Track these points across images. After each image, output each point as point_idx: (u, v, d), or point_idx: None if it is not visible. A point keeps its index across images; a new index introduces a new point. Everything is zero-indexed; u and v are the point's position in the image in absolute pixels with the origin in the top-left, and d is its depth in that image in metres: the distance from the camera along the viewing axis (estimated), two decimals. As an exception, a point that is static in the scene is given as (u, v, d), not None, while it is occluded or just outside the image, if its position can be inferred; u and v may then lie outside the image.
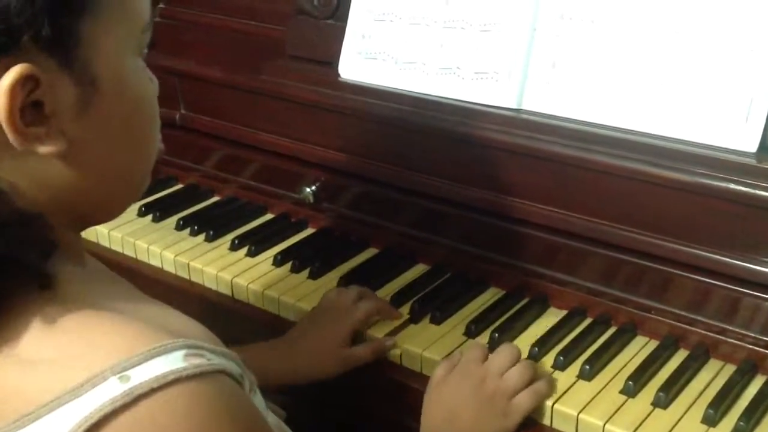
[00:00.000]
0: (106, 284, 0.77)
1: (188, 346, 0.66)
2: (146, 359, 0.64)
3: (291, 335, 1.19)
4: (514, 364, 1.05)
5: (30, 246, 0.67)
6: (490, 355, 1.07)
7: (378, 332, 1.18)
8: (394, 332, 1.18)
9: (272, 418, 0.79)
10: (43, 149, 0.67)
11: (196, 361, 0.66)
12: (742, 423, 0.99)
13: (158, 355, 0.64)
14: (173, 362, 0.64)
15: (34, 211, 0.68)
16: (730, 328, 1.11)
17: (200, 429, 0.64)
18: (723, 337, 1.11)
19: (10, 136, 0.65)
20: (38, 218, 0.68)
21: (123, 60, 0.71)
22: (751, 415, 1.00)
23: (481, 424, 1.01)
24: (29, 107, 0.65)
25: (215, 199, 1.58)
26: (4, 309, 0.67)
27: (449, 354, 1.13)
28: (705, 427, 1.01)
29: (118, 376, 0.63)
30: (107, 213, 0.79)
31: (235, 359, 0.72)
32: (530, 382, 1.04)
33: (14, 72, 0.63)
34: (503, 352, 1.07)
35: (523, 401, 1.03)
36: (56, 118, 0.67)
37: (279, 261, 1.36)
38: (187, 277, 1.38)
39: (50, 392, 0.63)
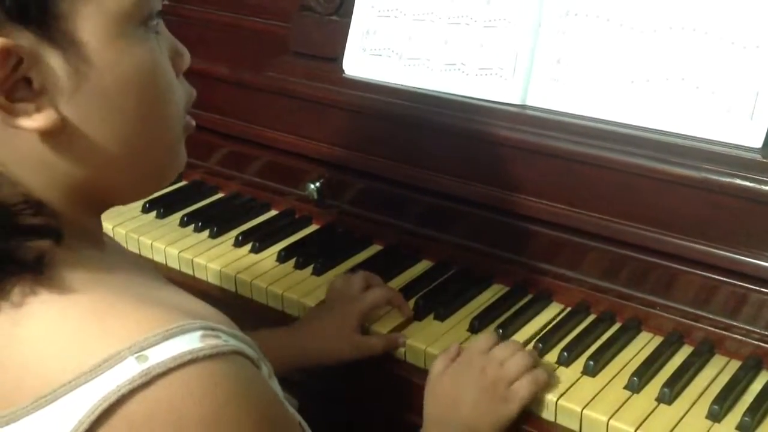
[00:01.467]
0: (124, 268, 0.76)
1: (205, 328, 0.67)
2: (163, 339, 0.64)
3: (301, 321, 1.20)
4: (514, 354, 1.06)
5: (23, 236, 0.66)
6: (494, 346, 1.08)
7: (382, 328, 1.18)
8: (398, 328, 1.18)
9: (288, 406, 0.79)
10: (29, 124, 0.65)
11: (213, 341, 0.66)
12: (746, 419, 0.99)
13: (175, 335, 0.65)
14: (190, 342, 0.65)
15: (36, 198, 0.68)
16: (735, 324, 1.10)
17: (217, 408, 0.64)
18: (728, 333, 1.11)
19: None
20: (41, 205, 0.68)
21: (114, 30, 0.67)
22: (756, 410, 1.00)
23: (482, 410, 1.02)
24: (21, 83, 0.64)
25: (219, 195, 1.58)
26: (21, 286, 0.66)
27: (448, 347, 1.13)
28: (709, 422, 1.00)
29: (136, 355, 0.63)
30: (132, 193, 0.77)
31: (251, 344, 0.72)
32: (530, 368, 1.05)
33: None
34: (506, 345, 1.08)
35: (522, 387, 1.03)
36: (47, 94, 0.66)
37: (283, 257, 1.36)
38: (191, 273, 1.38)
39: (67, 373, 0.63)
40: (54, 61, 0.65)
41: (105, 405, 0.62)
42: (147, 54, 0.70)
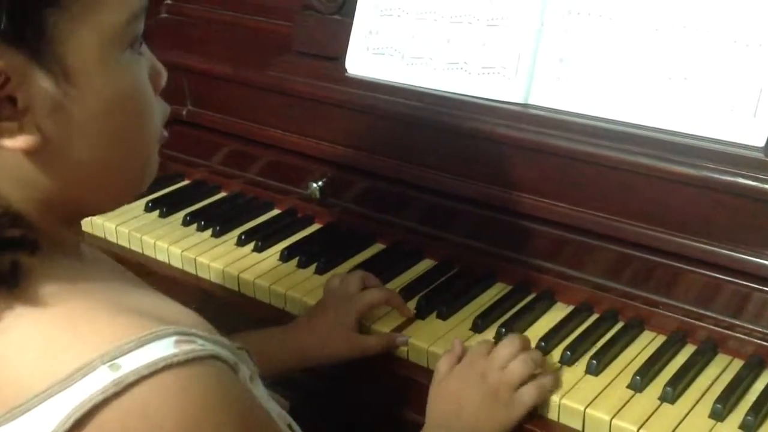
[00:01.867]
0: (101, 276, 0.76)
1: (179, 333, 0.66)
2: (136, 347, 0.64)
3: (297, 320, 1.20)
4: (515, 355, 1.06)
5: (2, 248, 0.66)
6: (497, 344, 1.08)
7: (385, 327, 1.18)
8: (400, 327, 1.18)
9: (275, 408, 0.79)
10: (11, 143, 0.66)
11: (188, 347, 0.65)
12: (749, 418, 0.99)
13: (148, 342, 0.64)
14: (164, 349, 0.64)
15: (13, 210, 0.68)
16: (738, 323, 1.10)
17: (193, 414, 0.64)
18: (731, 332, 1.11)
19: None
20: (18, 217, 0.68)
21: (103, 54, 0.68)
22: (759, 409, 1.00)
23: (485, 415, 1.02)
24: (5, 101, 0.64)
25: (222, 194, 1.58)
26: None
27: (448, 350, 1.13)
28: (712, 422, 1.00)
29: (108, 364, 0.63)
30: (105, 205, 0.78)
31: (230, 347, 0.72)
32: (533, 372, 1.05)
33: None
34: (506, 344, 1.07)
35: (527, 394, 1.03)
36: (31, 113, 0.65)
37: (286, 256, 1.36)
38: (193, 272, 1.38)
39: (40, 382, 0.63)
40: (41, 81, 0.65)
41: (77, 415, 0.61)
42: (131, 77, 0.72)
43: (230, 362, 0.70)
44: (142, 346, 0.64)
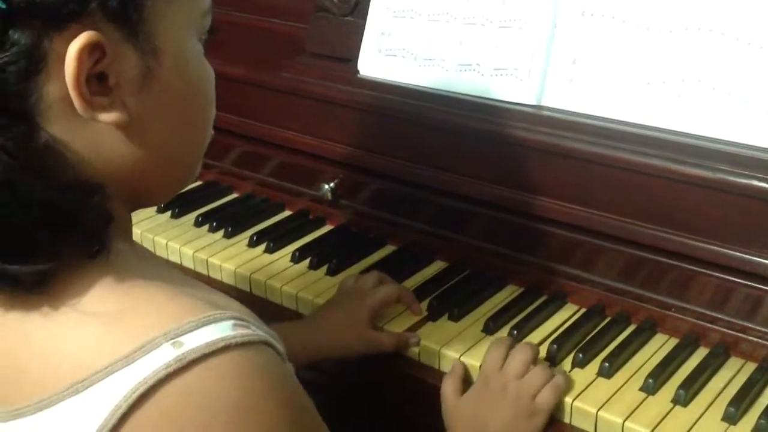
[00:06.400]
0: (154, 263, 0.78)
1: (235, 318, 0.68)
2: (197, 326, 0.65)
3: (311, 315, 1.21)
4: (530, 364, 1.05)
5: (90, 212, 0.68)
6: (506, 360, 1.07)
7: (396, 327, 1.18)
8: (412, 329, 1.18)
9: None
10: (106, 117, 0.68)
11: (244, 331, 0.67)
12: (762, 421, 0.98)
13: (208, 323, 0.66)
14: (223, 330, 0.66)
15: (96, 181, 0.69)
16: (751, 326, 1.10)
17: (248, 395, 0.65)
18: (744, 335, 1.10)
19: (76, 102, 0.66)
20: (100, 188, 0.69)
21: (185, 39, 0.72)
22: (773, 413, 1.00)
23: (512, 430, 1.01)
24: (93, 77, 0.66)
25: (234, 195, 1.59)
26: (65, 270, 0.68)
27: (467, 351, 1.13)
28: (725, 425, 1.00)
29: (172, 342, 0.64)
30: (160, 194, 0.80)
31: (277, 338, 0.73)
32: (549, 379, 1.04)
33: (82, 38, 0.64)
34: (518, 355, 1.06)
35: (546, 398, 1.03)
36: (119, 89, 0.68)
37: (297, 258, 1.36)
38: (205, 273, 1.38)
39: (104, 358, 0.64)
40: (131, 59, 0.68)
41: (141, 389, 0.63)
42: (203, 64, 0.76)
43: (280, 351, 0.71)
44: (202, 326, 0.65)
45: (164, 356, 0.64)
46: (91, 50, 0.65)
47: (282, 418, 0.68)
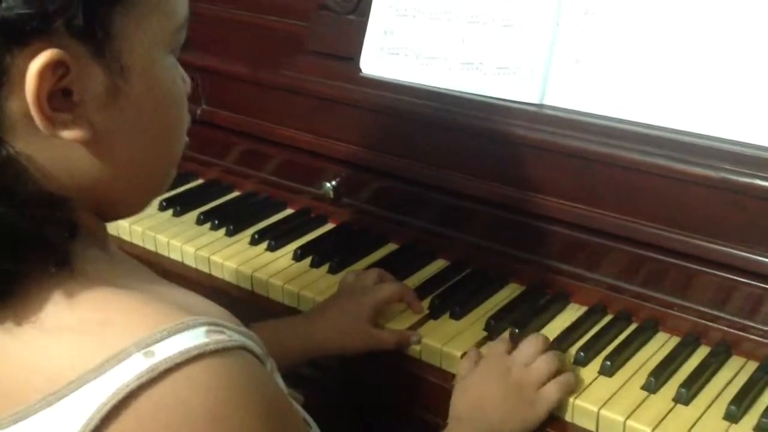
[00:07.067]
0: (128, 269, 0.78)
1: (209, 323, 0.67)
2: (169, 335, 0.65)
3: (312, 311, 1.21)
4: (539, 354, 1.06)
5: (53, 225, 0.67)
6: (518, 345, 1.08)
7: (397, 326, 1.18)
8: (413, 327, 1.18)
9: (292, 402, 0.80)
10: (68, 134, 0.67)
11: (218, 337, 0.66)
12: (765, 419, 0.98)
13: (180, 331, 0.65)
14: (196, 338, 0.65)
15: (60, 194, 0.69)
16: (753, 324, 1.10)
17: (223, 403, 0.65)
18: (745, 334, 1.11)
19: (37, 119, 0.65)
20: (64, 201, 0.69)
21: (154, 55, 0.71)
22: (774, 411, 1.00)
23: (508, 413, 1.02)
24: (58, 93, 0.66)
25: (236, 194, 1.59)
26: (27, 285, 0.67)
27: (469, 349, 1.13)
28: (727, 423, 1.00)
29: (143, 351, 0.64)
30: (129, 206, 0.80)
31: (256, 340, 0.72)
32: (556, 372, 1.05)
33: (45, 56, 0.64)
34: (529, 342, 1.07)
35: (551, 392, 1.03)
36: (83, 106, 0.67)
37: (299, 256, 1.36)
38: (207, 271, 1.38)
39: (75, 370, 0.64)
40: (97, 76, 0.68)
41: (114, 401, 0.62)
42: (174, 79, 0.75)
43: (258, 353, 0.71)
44: (174, 334, 0.65)
45: (136, 367, 0.63)
46: (55, 67, 0.64)
47: (260, 425, 0.67)
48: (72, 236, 0.69)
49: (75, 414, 0.63)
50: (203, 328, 0.66)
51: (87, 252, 0.71)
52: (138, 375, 0.63)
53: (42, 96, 0.65)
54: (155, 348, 0.64)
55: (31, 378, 0.65)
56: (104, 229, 0.78)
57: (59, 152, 0.68)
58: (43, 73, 0.64)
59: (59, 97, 0.66)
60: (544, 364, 1.04)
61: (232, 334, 0.68)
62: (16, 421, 0.65)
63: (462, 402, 1.04)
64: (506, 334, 1.13)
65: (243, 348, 0.68)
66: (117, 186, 0.74)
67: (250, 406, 0.66)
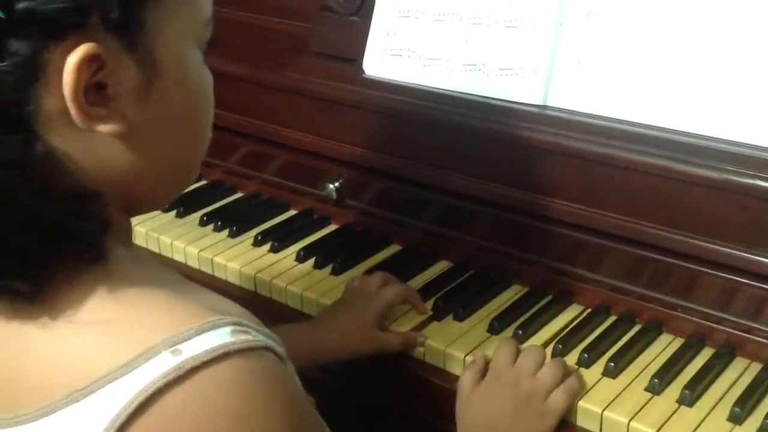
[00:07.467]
0: (153, 267, 0.78)
1: (234, 323, 0.68)
2: (196, 334, 0.65)
3: (319, 317, 1.21)
4: (541, 364, 1.05)
5: (88, 220, 0.68)
6: (519, 356, 1.07)
7: (401, 327, 1.18)
8: (417, 328, 1.18)
9: None
10: (103, 128, 0.68)
11: (243, 336, 0.67)
12: (768, 421, 0.99)
13: (207, 330, 0.66)
14: (222, 337, 0.66)
15: (94, 189, 0.69)
16: (757, 326, 1.10)
17: (248, 402, 0.65)
18: (749, 336, 1.10)
19: (74, 113, 0.66)
20: (97, 196, 0.69)
21: (184, 50, 0.73)
22: (778, 413, 1.00)
23: (519, 427, 1.01)
24: (93, 87, 0.66)
25: (239, 195, 1.59)
26: (63, 280, 0.68)
27: (472, 351, 1.13)
28: (731, 425, 1.00)
29: (171, 349, 0.64)
30: (156, 201, 0.81)
31: (278, 340, 0.73)
32: (562, 379, 1.04)
33: (82, 50, 0.64)
34: (531, 353, 1.07)
35: (559, 400, 1.02)
36: (118, 100, 0.68)
37: (302, 257, 1.36)
38: (210, 272, 1.38)
39: (102, 366, 0.64)
40: (131, 70, 0.68)
41: (141, 398, 0.63)
42: (204, 74, 0.76)
43: (280, 354, 0.71)
44: (201, 333, 0.65)
45: (163, 365, 0.64)
46: (90, 61, 0.65)
47: (283, 425, 0.68)
48: (105, 231, 0.69)
49: (102, 410, 0.63)
50: (229, 328, 0.67)
51: (116, 249, 0.71)
52: (165, 373, 0.63)
53: (79, 90, 0.65)
54: (182, 346, 0.64)
55: (59, 373, 0.66)
56: (130, 225, 0.79)
57: (93, 147, 0.69)
58: (79, 68, 0.64)
59: (94, 91, 0.67)
60: (551, 372, 1.04)
61: (257, 334, 0.69)
62: (40, 417, 0.66)
63: (470, 418, 1.03)
64: (510, 340, 1.12)
65: (267, 348, 0.69)
66: (147, 180, 0.74)
67: (273, 406, 0.67)
